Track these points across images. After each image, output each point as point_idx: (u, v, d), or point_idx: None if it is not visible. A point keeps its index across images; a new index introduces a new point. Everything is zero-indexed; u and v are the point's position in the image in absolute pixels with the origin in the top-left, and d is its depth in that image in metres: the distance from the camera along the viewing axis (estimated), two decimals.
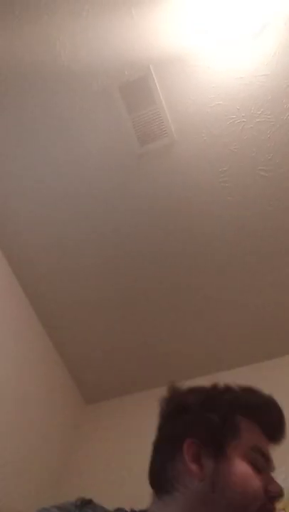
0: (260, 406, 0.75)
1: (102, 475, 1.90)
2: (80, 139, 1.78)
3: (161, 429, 0.79)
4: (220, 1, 1.44)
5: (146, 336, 2.15)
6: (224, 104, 1.64)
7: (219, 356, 2.11)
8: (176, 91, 1.64)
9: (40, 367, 2.11)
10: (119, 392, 2.27)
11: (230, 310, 2.02)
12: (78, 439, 2.13)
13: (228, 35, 1.52)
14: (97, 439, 2.10)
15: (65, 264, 2.06)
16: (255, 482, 0.66)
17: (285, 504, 1.26)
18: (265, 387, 1.90)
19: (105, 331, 2.18)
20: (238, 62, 1.57)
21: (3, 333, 1.93)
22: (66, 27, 1.54)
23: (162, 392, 2.34)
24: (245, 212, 1.82)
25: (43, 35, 1.56)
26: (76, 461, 2.03)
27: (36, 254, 2.07)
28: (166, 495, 0.70)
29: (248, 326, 2.03)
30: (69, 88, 1.67)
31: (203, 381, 2.25)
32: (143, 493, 1.68)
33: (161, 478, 0.73)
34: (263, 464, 0.69)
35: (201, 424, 0.72)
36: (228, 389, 0.78)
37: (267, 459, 0.71)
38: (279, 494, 0.68)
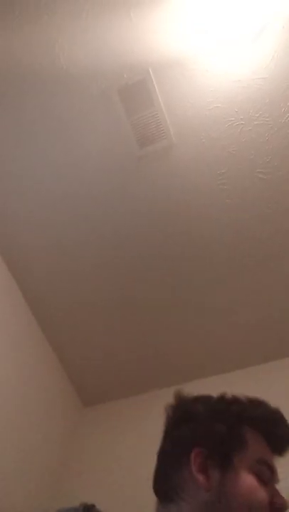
0: (267, 418, 0.76)
1: (101, 477, 1.90)
2: (79, 141, 1.78)
3: (167, 436, 0.79)
4: (218, 4, 1.45)
5: (145, 338, 2.14)
6: (222, 106, 1.64)
7: (217, 359, 2.11)
8: (175, 94, 1.65)
9: (38, 369, 2.11)
10: (117, 394, 2.27)
11: (229, 312, 2.02)
12: (76, 441, 2.12)
13: (227, 38, 1.52)
14: (95, 442, 2.09)
15: (63, 266, 2.06)
16: (260, 494, 0.66)
17: None
18: (265, 389, 1.90)
19: (103, 334, 2.17)
20: (237, 65, 1.58)
21: (1, 336, 1.93)
22: (65, 29, 1.55)
23: (160, 394, 2.36)
24: (243, 215, 1.82)
25: (42, 37, 1.56)
26: (74, 463, 2.02)
27: (35, 257, 2.07)
28: (171, 503, 0.70)
29: (247, 328, 2.03)
30: (68, 90, 1.68)
31: (202, 384, 2.27)
32: (141, 494, 1.67)
33: (166, 486, 0.73)
34: (268, 476, 0.70)
35: (209, 434, 0.72)
36: (235, 400, 0.78)
37: (272, 471, 0.71)
38: (284, 507, 0.68)
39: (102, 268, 2.03)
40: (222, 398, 0.79)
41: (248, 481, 0.67)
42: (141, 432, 1.99)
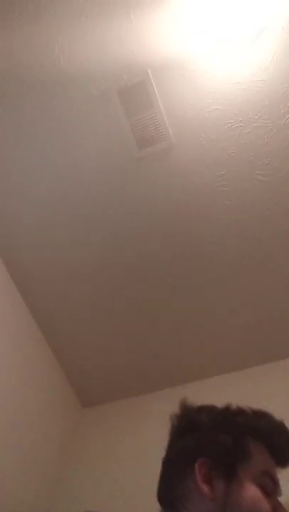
0: (272, 430, 0.76)
1: (100, 477, 1.90)
2: (78, 142, 1.79)
3: (172, 445, 0.79)
4: (218, 7, 1.45)
5: (144, 339, 2.15)
6: (222, 108, 1.65)
7: (217, 360, 2.11)
8: (174, 95, 1.65)
9: (37, 370, 2.11)
10: (116, 395, 2.27)
11: (228, 313, 2.02)
12: (76, 442, 2.12)
13: (226, 39, 1.53)
14: (94, 443, 2.09)
15: (63, 266, 2.06)
16: (264, 505, 0.67)
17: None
18: (264, 390, 1.90)
19: (103, 334, 2.17)
20: (236, 68, 1.58)
21: (0, 336, 1.93)
22: (65, 31, 1.55)
23: (159, 395, 2.35)
24: (243, 216, 1.83)
25: (42, 38, 1.57)
26: (74, 464, 2.02)
27: (34, 257, 2.07)
28: None
29: (247, 329, 2.03)
30: (67, 91, 1.68)
31: (201, 385, 2.26)
32: (141, 495, 1.68)
33: (171, 495, 0.74)
34: (271, 488, 0.70)
35: (213, 445, 0.73)
36: (240, 411, 0.79)
37: (275, 484, 0.72)
38: None
39: (102, 269, 2.03)
40: (227, 409, 0.80)
41: (252, 492, 0.68)
42: (140, 433, 1.99)
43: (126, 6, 1.49)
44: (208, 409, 0.81)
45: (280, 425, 0.78)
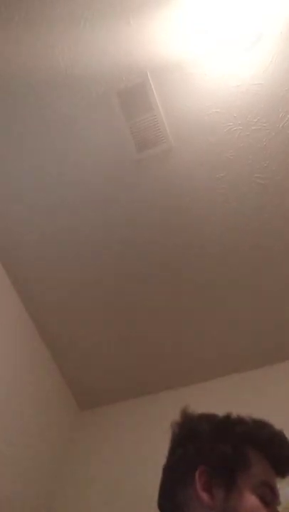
0: (271, 440, 0.77)
1: (97, 480, 1.89)
2: (77, 144, 1.79)
3: (173, 453, 0.80)
4: (217, 10, 1.46)
5: (142, 341, 2.14)
6: (221, 111, 1.65)
7: (215, 363, 2.11)
8: (174, 98, 1.65)
9: (34, 371, 2.10)
10: (114, 398, 2.26)
11: (227, 316, 2.02)
12: (73, 444, 2.11)
13: (225, 42, 1.54)
14: (91, 445, 2.09)
15: (61, 269, 2.06)
16: None
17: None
18: (263, 392, 1.90)
19: (100, 337, 2.17)
20: (235, 70, 1.59)
21: None
22: (65, 34, 1.55)
23: (157, 398, 2.34)
24: (241, 219, 1.83)
25: (42, 41, 1.57)
26: (71, 466, 2.01)
27: (33, 259, 2.06)
28: None
29: (245, 332, 2.04)
30: (67, 93, 1.68)
31: (199, 388, 2.25)
32: (139, 498, 1.67)
33: (171, 503, 0.74)
34: (270, 498, 0.71)
35: (214, 454, 0.73)
36: (240, 420, 0.80)
37: (274, 493, 0.73)
38: None
39: (100, 272, 2.03)
40: (227, 418, 0.81)
41: (251, 501, 0.68)
42: (138, 435, 1.99)
43: (125, 9, 1.49)
44: (209, 418, 0.81)
45: (280, 435, 0.79)
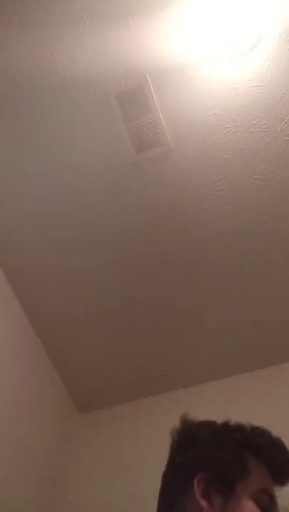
0: (270, 448, 0.77)
1: (97, 483, 1.89)
2: (76, 147, 1.79)
3: (172, 460, 0.81)
4: (217, 12, 1.46)
5: (141, 343, 2.14)
6: (220, 113, 1.66)
7: (214, 365, 2.11)
8: (173, 100, 1.66)
9: (31, 373, 2.09)
10: (113, 400, 2.26)
11: (226, 317, 2.03)
12: (71, 447, 2.11)
13: (225, 45, 1.54)
14: (90, 448, 2.08)
15: (60, 271, 2.05)
16: None
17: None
18: (261, 394, 1.90)
19: (99, 338, 2.17)
20: (234, 73, 1.59)
21: None
22: (64, 36, 1.56)
23: (157, 400, 2.34)
24: (240, 221, 1.83)
25: (41, 43, 1.57)
26: (69, 469, 2.00)
27: (32, 263, 2.05)
28: None
29: (245, 333, 2.04)
30: (66, 96, 1.68)
31: (198, 390, 2.25)
32: (137, 503, 1.67)
33: (170, 509, 0.75)
34: (268, 506, 0.71)
35: (212, 461, 0.74)
36: (239, 427, 0.81)
37: (272, 501, 0.73)
38: None
39: (99, 275, 2.03)
40: (226, 425, 0.81)
41: (249, 507, 0.68)
42: (137, 438, 1.98)
43: (125, 13, 1.50)
44: (208, 425, 0.82)
45: (279, 443, 0.79)
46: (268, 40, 1.52)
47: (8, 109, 1.73)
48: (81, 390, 2.29)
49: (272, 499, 0.72)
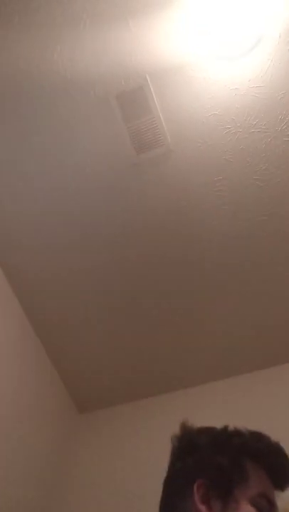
0: (268, 452, 0.78)
1: (96, 484, 1.89)
2: (76, 147, 1.79)
3: (173, 466, 0.82)
4: (217, 12, 1.46)
5: (141, 344, 2.14)
6: (220, 114, 1.65)
7: (214, 366, 2.11)
8: (173, 101, 1.65)
9: (31, 373, 2.09)
10: (113, 400, 2.26)
11: (226, 318, 2.02)
12: (71, 448, 2.11)
13: (225, 45, 1.54)
14: (90, 448, 2.08)
15: (60, 272, 2.05)
16: None
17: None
18: (260, 395, 1.90)
19: (99, 338, 2.17)
20: (234, 73, 1.59)
21: None
22: (64, 36, 1.55)
23: (156, 401, 2.34)
24: (240, 222, 1.83)
25: (42, 44, 1.57)
26: (69, 470, 2.00)
27: (31, 263, 2.05)
28: None
29: (245, 334, 2.04)
30: (66, 96, 1.68)
31: (198, 391, 2.25)
32: (137, 504, 1.67)
33: None
34: (267, 510, 0.72)
35: (211, 466, 0.75)
36: (237, 432, 0.81)
37: (272, 506, 0.73)
38: None
39: (99, 275, 2.03)
40: (224, 430, 0.82)
41: (247, 511, 0.69)
42: (137, 438, 1.99)
43: (125, 14, 1.49)
44: (208, 431, 0.83)
45: (277, 447, 0.80)
46: (267, 41, 1.52)
47: (8, 109, 1.73)
48: (81, 390, 2.29)
49: (271, 503, 0.73)
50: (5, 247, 2.03)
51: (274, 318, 1.99)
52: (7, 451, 1.75)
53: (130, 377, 2.21)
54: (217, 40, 1.52)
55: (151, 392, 2.19)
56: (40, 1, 1.49)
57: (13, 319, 2.09)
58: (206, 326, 2.05)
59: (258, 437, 0.81)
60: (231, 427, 0.82)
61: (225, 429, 0.82)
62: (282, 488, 0.77)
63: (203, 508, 0.70)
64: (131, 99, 1.65)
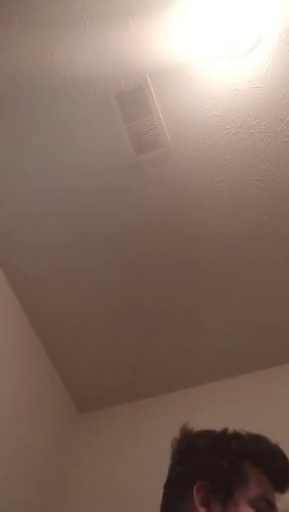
0: (267, 455, 0.78)
1: (96, 484, 1.89)
2: (76, 147, 1.79)
3: (173, 470, 0.83)
4: (217, 12, 1.46)
5: (141, 344, 2.14)
6: (220, 114, 1.65)
7: (214, 366, 2.11)
8: (173, 101, 1.65)
9: (31, 373, 2.09)
10: (113, 400, 2.26)
11: (225, 319, 2.02)
12: (71, 448, 2.11)
13: (225, 45, 1.54)
14: (90, 448, 2.08)
15: (60, 272, 2.05)
16: None
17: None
18: (258, 396, 1.90)
19: (99, 339, 2.17)
20: (234, 73, 1.59)
21: None
22: (64, 36, 1.55)
23: (156, 401, 2.34)
24: (240, 222, 1.83)
25: (42, 44, 1.57)
26: (69, 470, 2.01)
27: (31, 263, 2.05)
28: None
29: (244, 334, 2.04)
30: (66, 96, 1.68)
31: (198, 391, 2.25)
32: (137, 504, 1.67)
33: None
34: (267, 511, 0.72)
35: (211, 469, 0.76)
36: (236, 435, 0.82)
37: (272, 508, 0.74)
38: None
39: (99, 275, 2.03)
40: (224, 433, 0.83)
41: None
42: (137, 438, 1.99)
43: (125, 14, 1.49)
44: (207, 434, 0.84)
45: (276, 449, 0.80)
46: (267, 41, 1.52)
47: (8, 109, 1.73)
48: (81, 390, 2.29)
49: (271, 506, 0.73)
50: (5, 247, 2.03)
51: (274, 318, 1.99)
52: (7, 451, 1.75)
53: (130, 377, 2.21)
54: (217, 40, 1.52)
55: (151, 392, 2.19)
56: (40, 1, 1.49)
57: (13, 319, 2.09)
58: (206, 326, 2.05)
59: (257, 440, 0.81)
60: (230, 430, 0.83)
61: (224, 431, 0.83)
62: (282, 491, 0.77)
63: (202, 510, 0.71)
64: (131, 99, 1.65)
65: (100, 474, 1.92)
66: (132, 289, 2.03)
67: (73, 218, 1.93)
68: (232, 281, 1.94)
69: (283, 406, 1.78)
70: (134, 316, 2.09)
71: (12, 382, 1.92)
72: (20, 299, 2.14)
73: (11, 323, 2.07)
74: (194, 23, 1.50)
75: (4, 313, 2.04)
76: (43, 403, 2.09)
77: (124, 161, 1.77)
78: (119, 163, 1.78)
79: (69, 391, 2.29)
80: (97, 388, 2.27)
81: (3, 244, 2.03)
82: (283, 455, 0.79)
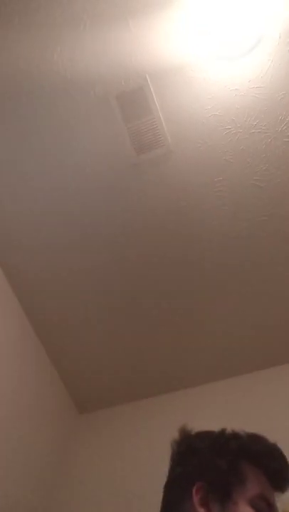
0: (265, 454, 0.79)
1: (96, 484, 1.89)
2: (76, 148, 1.79)
3: (172, 471, 0.83)
4: (217, 12, 1.46)
5: (141, 344, 2.14)
6: (220, 114, 1.65)
7: (214, 367, 2.11)
8: (173, 101, 1.65)
9: (31, 374, 2.09)
10: (113, 401, 2.26)
11: (225, 319, 2.02)
12: (71, 448, 2.11)
13: (225, 46, 1.54)
14: (90, 449, 2.08)
15: (60, 272, 2.05)
16: None
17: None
18: (258, 396, 1.90)
19: (99, 339, 2.17)
20: (234, 73, 1.59)
21: None
22: (64, 36, 1.56)
23: (157, 402, 2.34)
24: (240, 222, 1.83)
25: (42, 44, 1.57)
26: (69, 470, 2.00)
27: (31, 263, 2.06)
28: None
29: (244, 334, 2.04)
30: (66, 97, 1.68)
31: (198, 391, 2.25)
32: (137, 504, 1.67)
33: None
34: (266, 511, 0.73)
35: (210, 469, 0.76)
36: (234, 435, 0.82)
37: (271, 507, 0.74)
38: None
39: (99, 275, 2.03)
40: (222, 433, 0.83)
41: None
42: (137, 438, 1.99)
43: (125, 14, 1.50)
44: (206, 435, 0.84)
45: (274, 449, 0.80)
46: (268, 41, 1.52)
47: (8, 109, 1.73)
48: (81, 390, 2.29)
49: (270, 505, 0.73)
50: (5, 247, 2.03)
51: (274, 318, 1.99)
52: (7, 451, 1.75)
53: (130, 377, 2.21)
54: (217, 40, 1.52)
55: (151, 392, 2.19)
56: (40, 1, 1.49)
57: (13, 319, 2.09)
58: (206, 326, 2.05)
59: (255, 440, 0.81)
60: (229, 430, 0.83)
61: (223, 432, 0.83)
62: (281, 490, 0.78)
63: (202, 510, 0.71)
64: (131, 100, 1.65)
65: (100, 474, 1.92)
66: (132, 289, 2.03)
67: (73, 218, 1.93)
68: (232, 281, 1.94)
69: (283, 406, 1.78)
70: (134, 316, 2.09)
71: (12, 382, 1.92)
72: (20, 299, 2.14)
73: (11, 323, 2.07)
74: (194, 23, 1.50)
75: (4, 313, 2.04)
76: (43, 403, 2.09)
77: (124, 161, 1.77)
78: (119, 163, 1.78)
79: (69, 391, 2.29)
80: (97, 388, 2.27)
81: (3, 244, 2.03)
82: (281, 454, 0.80)
